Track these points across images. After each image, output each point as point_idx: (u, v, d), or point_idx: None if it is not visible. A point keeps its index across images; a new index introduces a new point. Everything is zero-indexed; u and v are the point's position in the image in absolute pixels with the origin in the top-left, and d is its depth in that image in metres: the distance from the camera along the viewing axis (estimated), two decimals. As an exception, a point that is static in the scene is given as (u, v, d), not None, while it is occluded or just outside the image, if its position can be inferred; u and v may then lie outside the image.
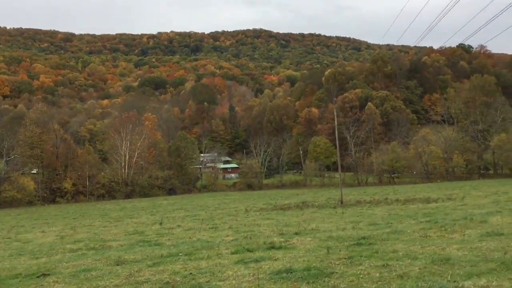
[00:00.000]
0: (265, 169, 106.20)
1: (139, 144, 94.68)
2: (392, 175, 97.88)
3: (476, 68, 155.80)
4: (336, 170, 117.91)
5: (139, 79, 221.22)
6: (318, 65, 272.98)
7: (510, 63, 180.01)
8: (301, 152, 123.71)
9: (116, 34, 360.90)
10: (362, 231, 13.62)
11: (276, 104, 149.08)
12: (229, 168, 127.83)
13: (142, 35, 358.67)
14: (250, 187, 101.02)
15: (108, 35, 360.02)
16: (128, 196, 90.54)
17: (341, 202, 36.53)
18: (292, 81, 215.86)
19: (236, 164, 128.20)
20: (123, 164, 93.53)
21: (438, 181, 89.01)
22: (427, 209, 26.64)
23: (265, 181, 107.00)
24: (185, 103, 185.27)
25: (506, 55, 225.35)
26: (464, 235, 10.44)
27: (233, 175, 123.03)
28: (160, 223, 26.56)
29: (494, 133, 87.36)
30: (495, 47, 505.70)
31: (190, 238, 17.17)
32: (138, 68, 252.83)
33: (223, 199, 65.93)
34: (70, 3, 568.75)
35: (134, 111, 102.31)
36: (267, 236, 14.73)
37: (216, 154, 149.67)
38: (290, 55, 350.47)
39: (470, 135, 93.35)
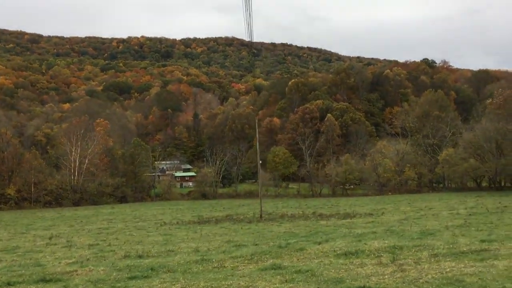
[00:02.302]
0: (220, 178, 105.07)
1: (90, 150, 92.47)
2: (345, 187, 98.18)
3: (436, 83, 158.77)
4: (295, 180, 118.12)
5: (104, 83, 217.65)
6: (289, 75, 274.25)
7: (470, 78, 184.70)
8: (260, 161, 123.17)
9: (85, 37, 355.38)
10: (182, 255, 12.88)
11: (238, 113, 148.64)
12: (187, 176, 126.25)
13: (112, 39, 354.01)
14: (204, 196, 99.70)
15: (77, 37, 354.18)
16: (77, 203, 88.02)
17: (260, 217, 35.82)
18: (259, 90, 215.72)
19: (195, 172, 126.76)
20: (72, 170, 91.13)
21: (389, 193, 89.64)
22: (329, 226, 26.19)
23: (220, 191, 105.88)
24: (149, 109, 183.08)
25: (468, 70, 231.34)
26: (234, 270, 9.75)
27: (190, 183, 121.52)
28: (50, 238, 25.31)
29: (444, 148, 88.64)
30: (458, 63, 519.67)
31: (37, 260, 16.08)
32: (104, 72, 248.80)
33: (167, 209, 64.68)
34: (39, 4, 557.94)
35: (86, 116, 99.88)
36: (101, 261, 13.78)
37: (178, 161, 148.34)
38: (261, 64, 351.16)
39: (422, 148, 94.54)
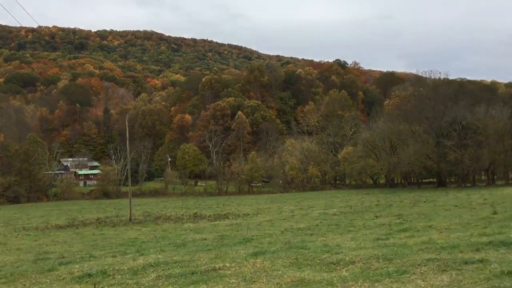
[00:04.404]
0: (124, 176, 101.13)
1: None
2: (251, 185, 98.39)
3: (346, 83, 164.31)
4: (209, 178, 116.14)
5: (7, 74, 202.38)
6: (208, 71, 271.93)
7: (378, 80, 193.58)
8: (169, 159, 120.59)
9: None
10: None
11: (148, 109, 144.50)
12: (91, 174, 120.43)
13: (20, 28, 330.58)
14: (106, 195, 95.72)
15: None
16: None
17: (130, 220, 34.12)
18: (176, 86, 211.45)
19: (101, 170, 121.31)
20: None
21: (294, 191, 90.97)
22: (183, 230, 25.20)
23: (125, 189, 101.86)
24: (56, 103, 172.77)
25: (379, 72, 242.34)
26: None
27: (95, 182, 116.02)
28: None
29: (345, 146, 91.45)
30: (372, 65, 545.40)
31: None
32: (8, 63, 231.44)
33: (55, 210, 60.94)
34: None
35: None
36: None
37: (85, 158, 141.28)
38: (180, 59, 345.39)
39: (325, 147, 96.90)
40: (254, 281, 7.19)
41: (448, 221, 16.90)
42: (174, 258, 10.62)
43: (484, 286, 5.78)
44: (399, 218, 23.09)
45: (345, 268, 7.67)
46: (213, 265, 8.90)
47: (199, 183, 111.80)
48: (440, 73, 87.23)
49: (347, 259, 8.28)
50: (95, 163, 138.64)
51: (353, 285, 6.35)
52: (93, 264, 10.92)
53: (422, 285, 6.13)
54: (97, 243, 20.28)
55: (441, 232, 12.17)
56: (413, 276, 6.50)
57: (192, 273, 8.38)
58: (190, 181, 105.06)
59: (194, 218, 35.23)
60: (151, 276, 8.47)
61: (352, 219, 25.83)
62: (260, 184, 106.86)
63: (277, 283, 6.85)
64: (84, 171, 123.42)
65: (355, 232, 17.19)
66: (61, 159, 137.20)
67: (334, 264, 8.11)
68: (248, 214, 36.20)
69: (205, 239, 18.21)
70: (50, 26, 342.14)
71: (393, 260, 7.69)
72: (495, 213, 17.78)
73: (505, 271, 6.09)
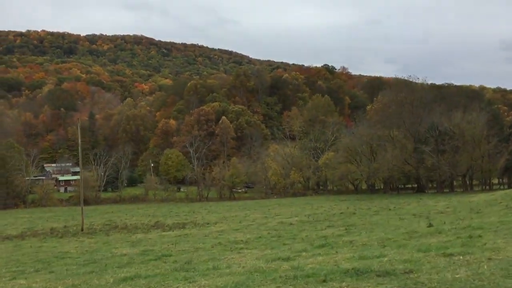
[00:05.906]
0: (104, 182, 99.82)
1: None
2: (233, 190, 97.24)
3: (333, 88, 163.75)
4: (190, 184, 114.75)
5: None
6: (198, 76, 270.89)
7: (365, 85, 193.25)
8: (152, 164, 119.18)
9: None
10: None
11: (133, 114, 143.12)
12: (72, 180, 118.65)
13: (8, 32, 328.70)
14: (85, 201, 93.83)
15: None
16: None
17: (82, 230, 32.91)
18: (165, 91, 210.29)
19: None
20: None
21: (275, 197, 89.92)
22: (120, 243, 24.06)
23: (105, 195, 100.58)
24: (41, 108, 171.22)
25: (368, 77, 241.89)
26: None
27: (76, 188, 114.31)
28: None
29: (326, 151, 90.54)
30: (362, 70, 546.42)
31: None
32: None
33: (25, 218, 59.56)
34: None
35: None
36: None
37: (69, 164, 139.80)
38: (170, 64, 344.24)
39: (307, 152, 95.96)
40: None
41: (379, 234, 15.92)
42: (34, 285, 9.59)
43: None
44: (345, 230, 22.12)
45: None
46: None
47: (182, 189, 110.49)
48: (418, 78, 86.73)
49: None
50: (78, 169, 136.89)
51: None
52: None
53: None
54: (18, 259, 19.15)
55: (336, 252, 11.17)
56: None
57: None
58: (172, 187, 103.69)
59: (151, 227, 34.10)
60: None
61: (302, 230, 24.82)
62: (242, 190, 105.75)
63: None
64: (65, 177, 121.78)
65: (284, 246, 16.25)
66: (44, 165, 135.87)
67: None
68: (208, 223, 35.09)
69: (125, 254, 17.14)
70: (39, 31, 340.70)
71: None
72: (430, 225, 16.87)
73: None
